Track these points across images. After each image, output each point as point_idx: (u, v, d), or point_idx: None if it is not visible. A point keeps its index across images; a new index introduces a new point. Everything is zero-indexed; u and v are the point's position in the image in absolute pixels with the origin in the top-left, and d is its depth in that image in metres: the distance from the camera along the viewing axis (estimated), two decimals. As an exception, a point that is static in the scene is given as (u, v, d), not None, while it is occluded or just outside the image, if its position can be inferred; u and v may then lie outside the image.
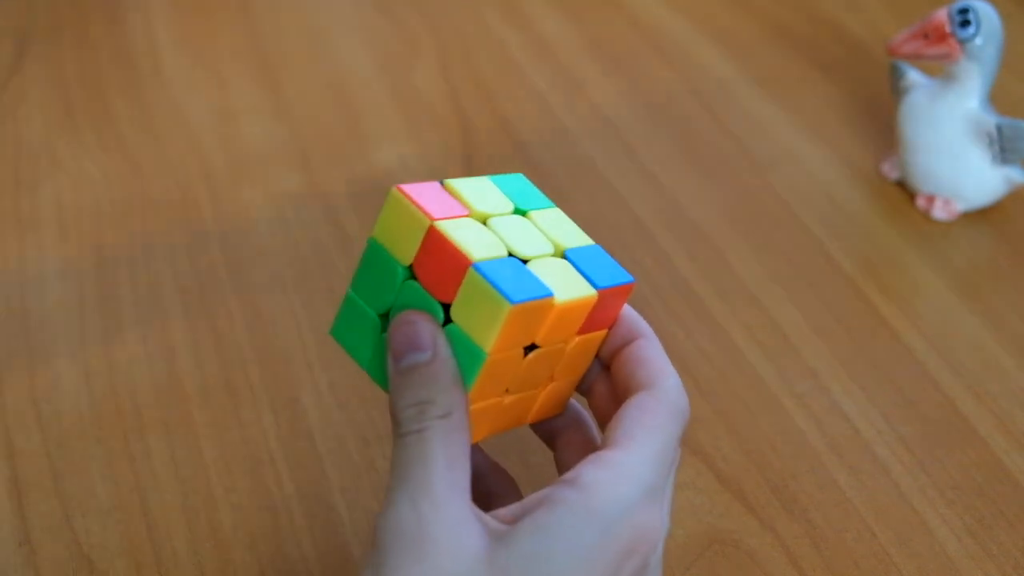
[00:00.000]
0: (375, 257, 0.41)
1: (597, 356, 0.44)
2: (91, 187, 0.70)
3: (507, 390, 0.42)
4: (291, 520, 0.52)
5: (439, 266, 0.39)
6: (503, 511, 0.39)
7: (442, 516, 0.37)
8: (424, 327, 0.39)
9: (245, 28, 0.84)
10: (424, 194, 0.40)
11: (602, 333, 0.43)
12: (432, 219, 0.39)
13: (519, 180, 0.44)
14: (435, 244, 0.39)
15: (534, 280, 0.39)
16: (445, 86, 0.79)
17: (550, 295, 0.39)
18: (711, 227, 0.68)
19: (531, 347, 0.41)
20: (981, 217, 0.69)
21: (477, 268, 0.38)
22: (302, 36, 0.84)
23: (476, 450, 0.45)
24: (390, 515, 0.37)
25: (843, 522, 0.53)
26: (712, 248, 0.67)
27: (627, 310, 0.44)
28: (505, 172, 0.71)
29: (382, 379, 0.41)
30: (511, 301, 0.38)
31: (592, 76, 0.80)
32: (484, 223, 0.41)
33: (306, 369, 0.59)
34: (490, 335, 0.38)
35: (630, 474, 0.38)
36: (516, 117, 0.76)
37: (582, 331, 0.42)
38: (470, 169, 0.72)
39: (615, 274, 0.42)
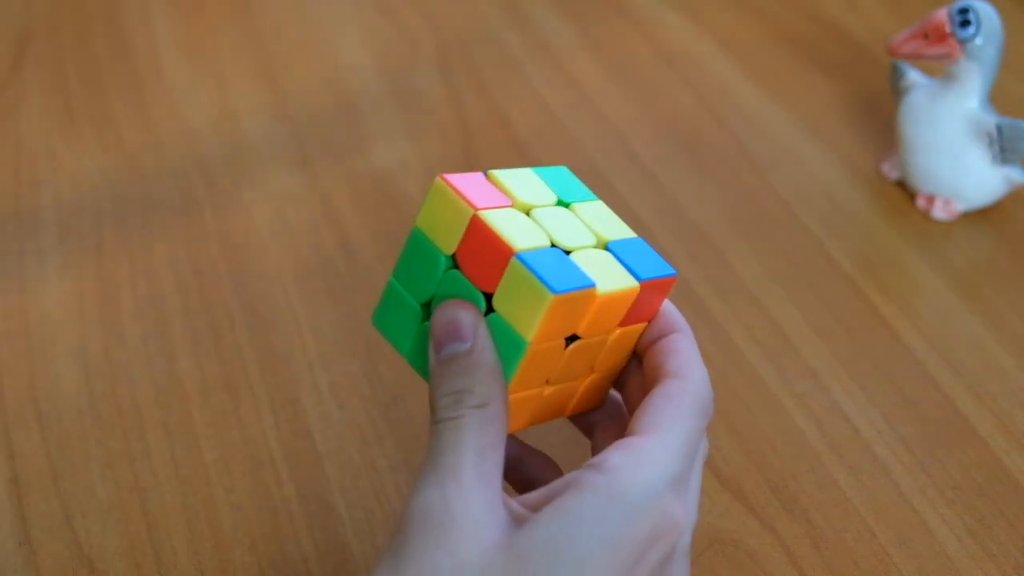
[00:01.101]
0: (418, 246, 0.41)
1: (633, 349, 0.44)
2: (91, 187, 0.70)
3: (547, 381, 0.42)
4: (291, 520, 0.52)
5: (482, 255, 0.39)
6: (530, 496, 0.39)
7: (468, 502, 0.37)
8: (465, 317, 0.40)
9: (245, 28, 0.84)
10: (468, 184, 0.41)
11: (641, 326, 0.43)
12: (476, 208, 0.40)
13: (562, 172, 0.44)
14: (478, 233, 0.39)
15: (577, 271, 0.39)
16: (445, 86, 0.79)
17: (592, 286, 0.39)
18: (711, 227, 0.68)
19: (573, 338, 0.41)
20: (981, 217, 0.69)
21: (520, 258, 0.39)
22: (302, 36, 0.84)
23: (511, 438, 0.45)
24: (417, 499, 0.37)
25: (843, 522, 0.53)
26: (712, 248, 0.67)
27: (667, 305, 0.44)
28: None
29: (422, 368, 0.41)
30: (553, 291, 0.38)
31: (592, 76, 0.80)
32: (527, 214, 0.41)
33: (306, 369, 0.59)
34: (532, 325, 0.39)
35: (656, 460, 0.38)
36: (516, 117, 0.76)
37: (623, 323, 0.42)
38: (470, 169, 0.72)
39: (657, 266, 0.42)
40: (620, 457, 0.38)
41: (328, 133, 0.75)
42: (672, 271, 0.43)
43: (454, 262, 0.41)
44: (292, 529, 0.52)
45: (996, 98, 0.67)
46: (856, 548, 0.52)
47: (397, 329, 0.42)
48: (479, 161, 0.73)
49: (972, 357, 0.60)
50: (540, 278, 0.38)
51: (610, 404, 0.45)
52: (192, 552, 0.51)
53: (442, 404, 0.39)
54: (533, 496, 0.39)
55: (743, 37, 0.84)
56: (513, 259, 0.39)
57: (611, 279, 0.40)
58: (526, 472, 0.44)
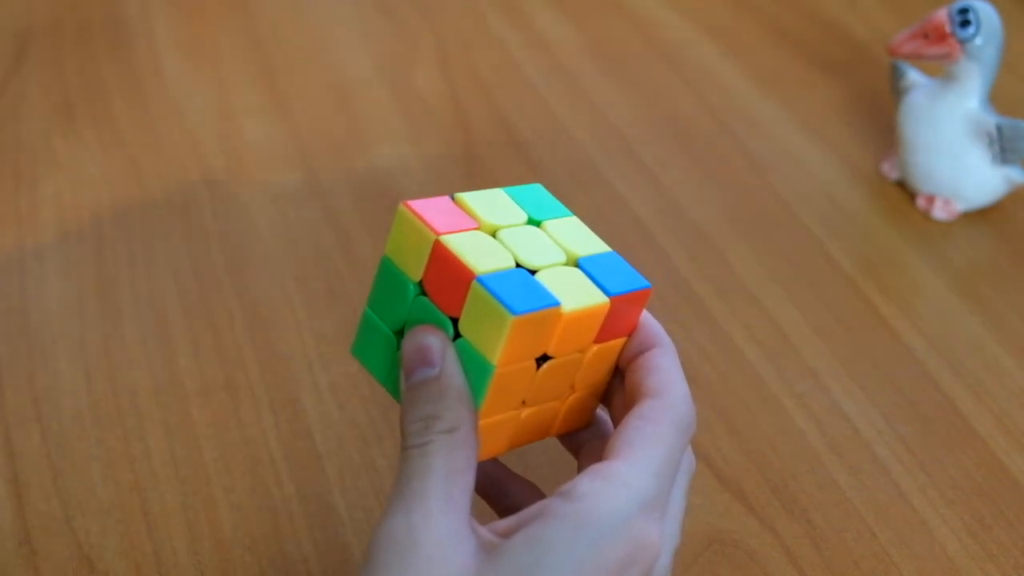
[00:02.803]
0: (388, 274, 0.41)
1: (616, 365, 0.44)
2: (91, 187, 0.70)
3: (524, 403, 0.41)
4: (291, 520, 0.52)
5: (446, 281, 0.39)
6: (500, 523, 0.39)
7: (434, 528, 0.37)
8: (434, 342, 0.40)
9: (245, 28, 0.84)
10: (432, 209, 0.40)
11: (621, 341, 0.43)
12: (437, 233, 0.39)
13: (536, 191, 0.44)
14: (441, 259, 0.39)
15: (540, 290, 0.39)
16: (445, 86, 0.79)
17: (556, 304, 0.39)
18: (711, 227, 0.68)
19: (545, 358, 0.41)
20: (981, 217, 0.69)
21: (481, 281, 0.38)
22: (302, 36, 0.84)
23: (499, 466, 0.45)
24: (382, 527, 0.37)
25: (843, 522, 0.53)
26: (712, 248, 0.67)
27: (647, 318, 0.43)
28: (504, 172, 0.71)
29: (399, 396, 0.41)
30: (513, 312, 0.38)
31: (592, 76, 0.80)
32: (494, 235, 0.41)
33: (306, 369, 0.59)
34: (496, 348, 0.38)
35: (627, 485, 0.38)
36: (516, 117, 0.76)
37: (600, 339, 0.42)
38: (470, 169, 0.72)
39: (630, 280, 0.42)
40: (589, 483, 0.37)
41: (328, 133, 0.75)
42: (645, 284, 0.42)
43: (422, 288, 0.40)
44: (292, 529, 0.52)
45: (996, 98, 0.67)
46: (856, 548, 0.52)
47: (374, 357, 0.42)
48: (479, 161, 0.73)
49: (972, 357, 0.60)
50: (500, 300, 0.38)
51: (598, 424, 0.45)
52: (192, 552, 0.51)
53: (411, 430, 0.39)
54: (503, 524, 0.38)
55: (743, 37, 0.84)
56: (474, 282, 0.38)
57: (579, 296, 0.40)
58: (513, 500, 0.44)
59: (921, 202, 0.69)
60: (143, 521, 0.52)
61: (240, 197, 0.70)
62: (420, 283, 0.40)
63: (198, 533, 0.52)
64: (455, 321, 0.40)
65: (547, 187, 0.66)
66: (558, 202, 0.44)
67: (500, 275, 0.39)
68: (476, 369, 0.39)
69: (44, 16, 0.85)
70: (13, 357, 0.60)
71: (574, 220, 0.44)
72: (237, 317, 0.62)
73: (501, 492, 0.44)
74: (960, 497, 0.54)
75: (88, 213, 0.68)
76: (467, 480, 0.38)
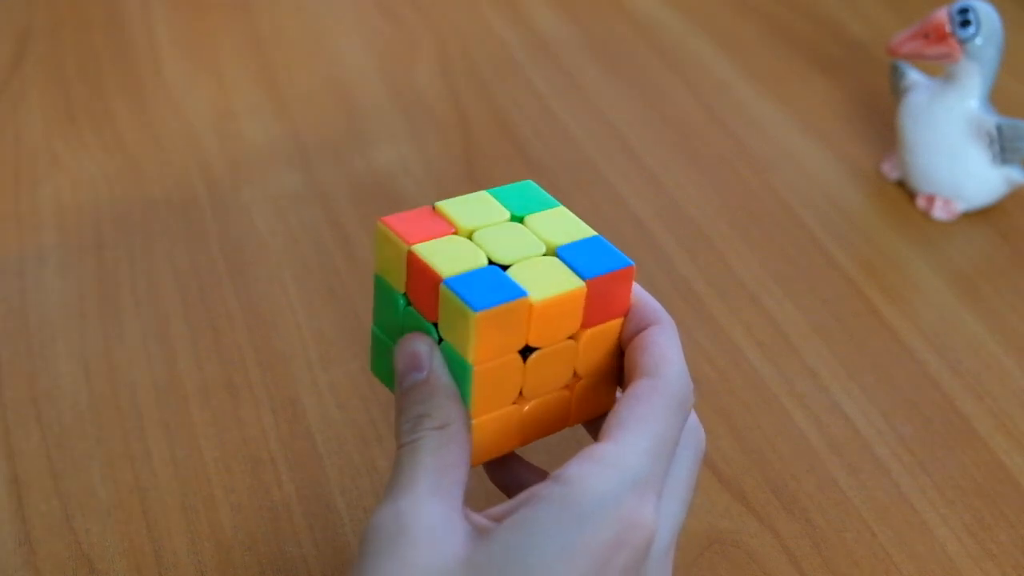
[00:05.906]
0: (380, 290, 0.43)
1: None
2: (91, 187, 0.70)
3: (522, 396, 0.41)
4: (291, 520, 0.52)
5: (422, 288, 0.41)
6: (495, 509, 0.39)
7: (422, 515, 0.37)
8: (421, 348, 0.41)
9: (245, 28, 0.84)
10: (406, 222, 0.42)
11: (617, 323, 0.43)
12: (408, 244, 0.41)
13: (525, 187, 0.44)
14: (414, 268, 0.41)
15: (507, 284, 0.40)
16: (445, 86, 0.79)
17: (522, 295, 0.39)
18: (711, 227, 0.68)
19: (532, 350, 0.41)
20: (981, 217, 0.69)
21: (446, 283, 0.39)
22: (302, 36, 0.84)
23: (518, 460, 0.45)
24: (372, 519, 0.38)
25: (843, 522, 0.53)
26: (712, 248, 0.67)
27: (644, 297, 0.43)
28: (504, 172, 0.71)
29: None
30: (474, 309, 0.38)
31: (592, 76, 0.80)
32: (470, 237, 0.42)
33: (306, 369, 0.59)
34: (469, 346, 0.39)
35: (615, 465, 0.37)
36: (516, 117, 0.76)
37: (589, 324, 0.42)
38: (470, 169, 0.72)
39: (609, 261, 0.41)
40: (579, 466, 0.37)
41: (328, 133, 0.75)
42: (626, 262, 0.42)
43: (408, 299, 0.42)
44: (292, 529, 0.52)
45: (996, 98, 0.67)
46: (856, 548, 0.52)
47: (387, 372, 0.44)
48: (479, 161, 0.73)
49: (972, 357, 0.60)
50: (463, 299, 0.39)
51: None
52: (192, 552, 0.51)
53: (403, 430, 0.40)
54: (498, 509, 0.38)
55: (743, 37, 0.84)
56: (441, 286, 0.39)
57: (551, 284, 0.40)
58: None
59: (921, 202, 0.69)
60: (143, 521, 0.52)
61: (240, 197, 0.70)
62: (406, 294, 0.42)
63: (198, 533, 0.52)
64: (437, 326, 0.41)
65: (547, 187, 0.66)
66: (547, 195, 0.44)
67: (466, 275, 0.40)
68: (459, 369, 0.40)
69: (44, 16, 0.85)
70: (13, 357, 0.60)
71: (560, 210, 0.44)
72: (237, 317, 0.62)
73: (519, 486, 0.44)
74: (960, 497, 0.54)
75: (88, 213, 0.68)
76: (458, 473, 0.39)
